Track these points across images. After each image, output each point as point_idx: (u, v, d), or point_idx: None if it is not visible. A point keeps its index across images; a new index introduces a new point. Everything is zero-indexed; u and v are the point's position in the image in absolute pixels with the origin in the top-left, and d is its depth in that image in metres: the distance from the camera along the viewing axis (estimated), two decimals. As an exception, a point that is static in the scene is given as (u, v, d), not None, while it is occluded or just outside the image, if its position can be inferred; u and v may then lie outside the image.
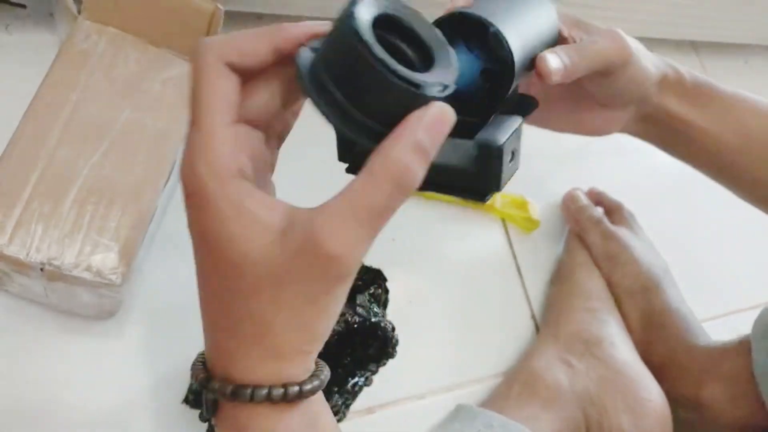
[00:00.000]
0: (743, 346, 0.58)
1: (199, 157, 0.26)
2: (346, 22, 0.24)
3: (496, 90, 0.37)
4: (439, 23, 0.36)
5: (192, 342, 0.34)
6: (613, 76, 0.44)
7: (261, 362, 0.28)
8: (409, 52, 0.25)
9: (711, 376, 0.59)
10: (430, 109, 0.26)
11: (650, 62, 0.47)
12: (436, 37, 0.27)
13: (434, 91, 0.25)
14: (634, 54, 0.44)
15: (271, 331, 0.27)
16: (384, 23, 0.25)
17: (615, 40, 0.44)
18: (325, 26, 0.27)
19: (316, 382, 0.29)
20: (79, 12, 0.50)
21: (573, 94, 0.48)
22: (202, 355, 0.31)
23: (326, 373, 0.30)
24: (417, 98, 0.25)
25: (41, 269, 0.42)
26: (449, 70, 0.27)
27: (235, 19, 0.61)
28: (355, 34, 0.24)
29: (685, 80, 0.49)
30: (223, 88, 0.27)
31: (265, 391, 0.27)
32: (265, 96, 0.29)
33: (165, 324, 0.52)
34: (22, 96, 0.47)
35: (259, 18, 0.68)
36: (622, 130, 0.52)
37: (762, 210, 0.54)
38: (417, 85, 0.25)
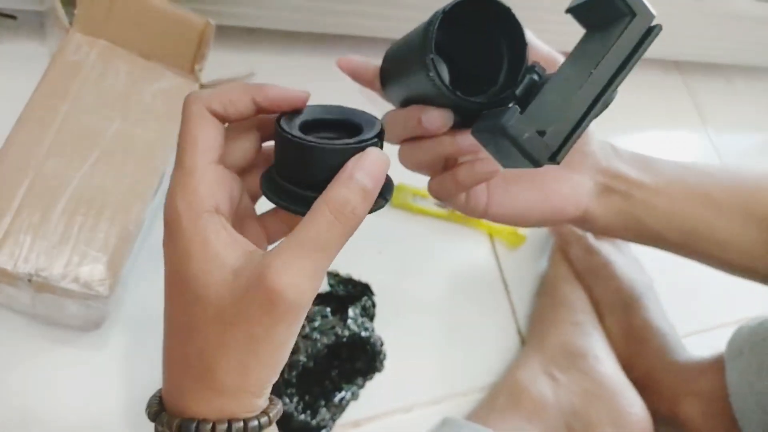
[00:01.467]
0: (718, 364, 0.58)
1: (179, 194, 0.29)
2: (277, 129, 0.31)
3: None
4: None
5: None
6: None
7: (207, 398, 0.29)
8: (334, 135, 0.31)
9: (687, 393, 0.59)
10: (365, 153, 0.29)
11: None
12: (363, 116, 0.33)
13: (366, 138, 0.30)
14: None
15: (214, 370, 0.28)
16: (311, 126, 0.32)
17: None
18: (297, 94, 0.31)
19: (263, 419, 0.30)
20: (70, 24, 0.51)
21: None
22: (161, 389, 0.32)
23: (277, 410, 0.31)
24: (347, 151, 0.29)
25: (29, 280, 0.42)
26: (376, 126, 0.32)
27: (226, 33, 0.61)
28: (283, 131, 0.30)
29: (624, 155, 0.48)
30: (206, 133, 0.30)
31: (209, 426, 0.29)
32: (244, 144, 0.33)
33: (150, 336, 0.51)
34: (12, 106, 0.47)
35: (249, 33, 0.68)
36: (591, 215, 0.47)
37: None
38: (343, 142, 0.29)
